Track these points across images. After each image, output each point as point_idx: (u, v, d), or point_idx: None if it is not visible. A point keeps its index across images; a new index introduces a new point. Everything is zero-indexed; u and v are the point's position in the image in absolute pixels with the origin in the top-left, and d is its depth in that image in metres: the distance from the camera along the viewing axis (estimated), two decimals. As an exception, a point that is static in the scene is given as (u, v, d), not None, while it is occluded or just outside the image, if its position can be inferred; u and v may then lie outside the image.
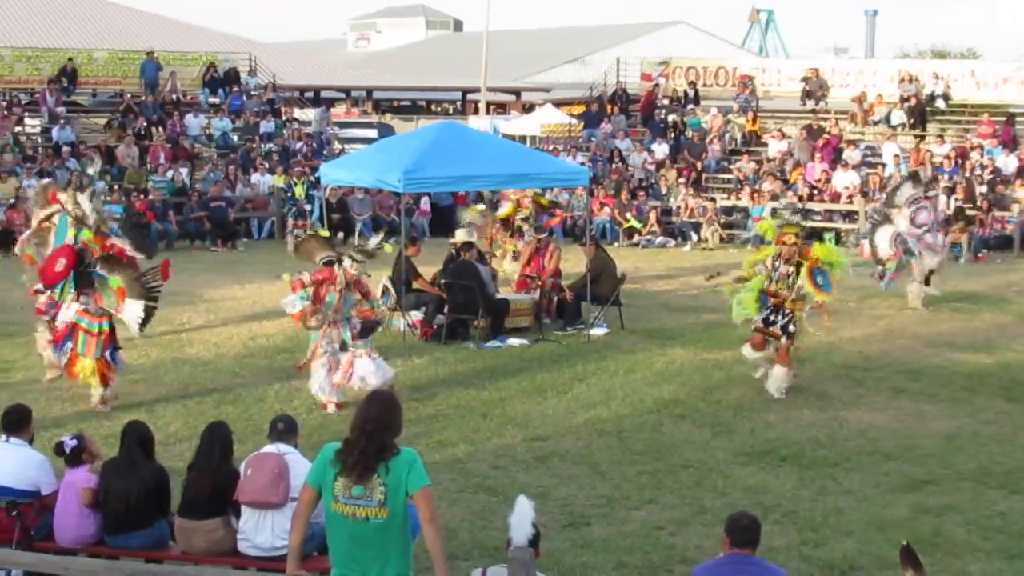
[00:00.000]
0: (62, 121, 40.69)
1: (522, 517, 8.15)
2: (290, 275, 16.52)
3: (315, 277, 16.01)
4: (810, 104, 43.94)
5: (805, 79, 44.08)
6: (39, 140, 41.13)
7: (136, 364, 18.51)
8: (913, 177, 25.66)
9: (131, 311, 16.24)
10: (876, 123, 41.88)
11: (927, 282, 23.99)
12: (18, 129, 40.56)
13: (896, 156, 38.06)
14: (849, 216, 36.07)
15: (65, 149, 37.93)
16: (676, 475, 13.40)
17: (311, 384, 16.04)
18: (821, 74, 44.16)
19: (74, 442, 10.28)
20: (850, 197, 36.24)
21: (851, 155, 38.93)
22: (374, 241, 17.14)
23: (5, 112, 40.52)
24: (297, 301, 16.03)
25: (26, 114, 42.40)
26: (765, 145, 41.90)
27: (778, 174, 38.70)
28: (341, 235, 27.70)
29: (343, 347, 16.03)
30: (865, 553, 11.07)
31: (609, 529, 11.67)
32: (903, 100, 41.67)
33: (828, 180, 37.72)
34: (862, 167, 38.31)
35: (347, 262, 16.08)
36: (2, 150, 36.97)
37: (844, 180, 37.26)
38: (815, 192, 37.36)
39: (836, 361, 19.05)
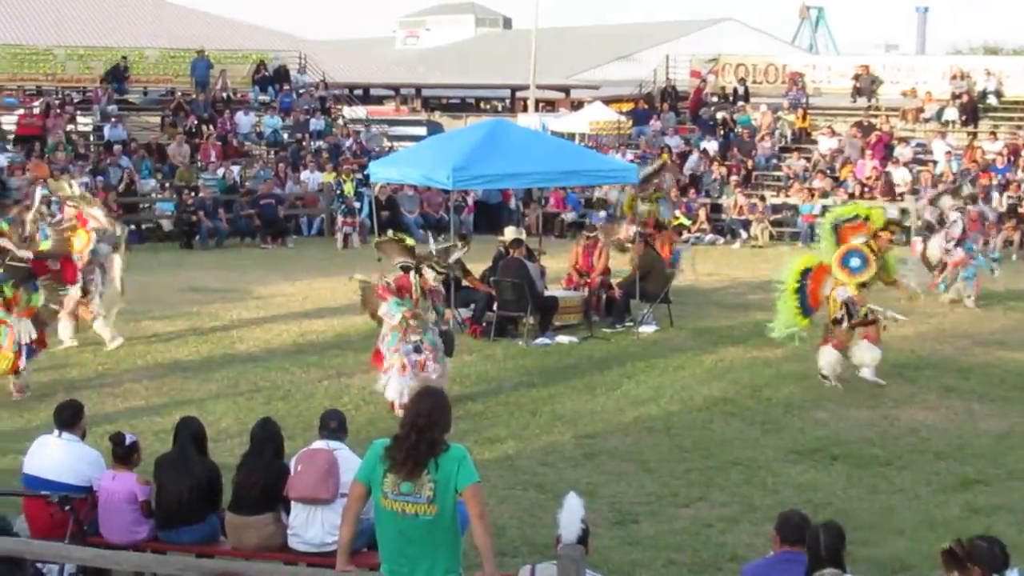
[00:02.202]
0: (114, 119, 40.97)
1: (571, 514, 8.13)
2: (362, 276, 16.51)
3: (398, 281, 15.84)
4: (861, 101, 43.71)
5: (856, 76, 43.84)
6: (91, 138, 41.43)
7: (187, 360, 18.64)
8: (954, 190, 25.51)
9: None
10: (927, 120, 41.61)
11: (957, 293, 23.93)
12: (70, 127, 40.82)
13: (948, 153, 37.86)
14: (901, 214, 35.83)
15: (117, 147, 38.18)
16: (726, 472, 13.36)
17: (387, 389, 15.65)
18: (872, 71, 43.91)
19: (134, 438, 10.35)
20: (901, 194, 36.05)
21: (902, 152, 38.73)
22: (457, 253, 16.81)
23: (58, 110, 40.81)
24: (395, 310, 15.78)
25: (78, 112, 42.63)
26: (815, 142, 41.74)
27: (828, 171, 38.57)
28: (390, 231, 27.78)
29: (417, 349, 15.81)
30: (916, 552, 11.00)
31: (658, 527, 11.64)
32: (955, 97, 41.40)
33: (878, 177, 37.53)
34: (913, 164, 38.10)
35: (427, 272, 15.92)
36: (55, 148, 37.19)
37: (895, 177, 37.06)
38: (865, 189, 37.16)
39: (887, 359, 18.86)
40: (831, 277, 17.22)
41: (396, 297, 15.64)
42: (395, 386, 15.60)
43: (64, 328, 19.15)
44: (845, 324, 17.19)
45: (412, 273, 15.75)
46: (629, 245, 22.51)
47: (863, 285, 17.21)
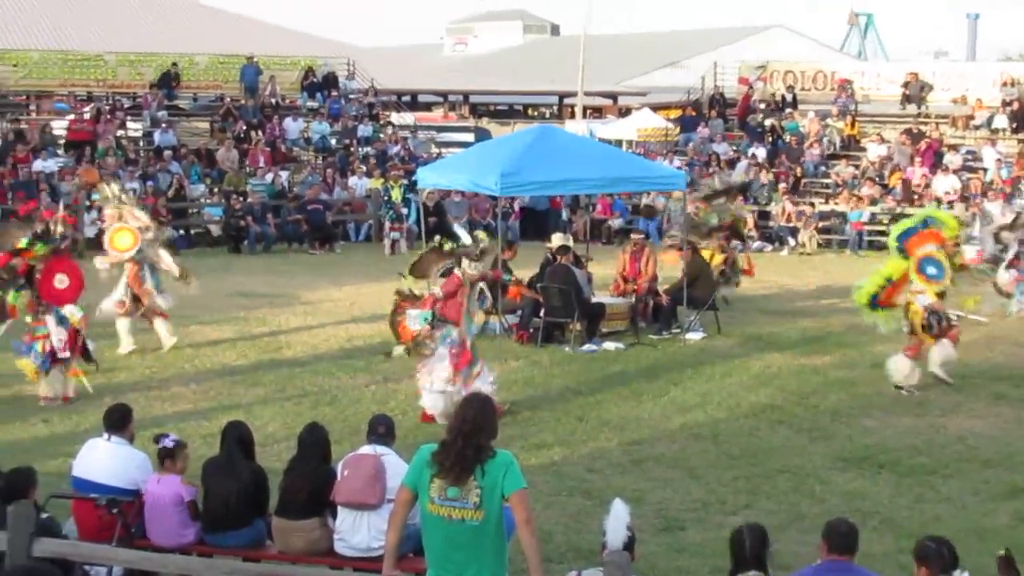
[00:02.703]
0: (164, 125, 41.18)
1: (618, 521, 8.13)
2: (409, 278, 16.60)
3: (446, 289, 15.92)
4: (910, 108, 43.49)
5: (906, 83, 43.62)
6: (141, 144, 41.69)
7: (235, 365, 18.73)
8: (1012, 225, 25.38)
9: None
10: (977, 127, 41.38)
11: None
12: (120, 133, 41.16)
13: (998, 160, 37.64)
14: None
15: (166, 152, 38.40)
16: (773, 480, 13.32)
17: (427, 400, 15.61)
18: (921, 77, 43.67)
19: (175, 439, 10.39)
20: (950, 202, 35.84)
21: (952, 159, 38.53)
22: (480, 244, 16.78)
23: (108, 116, 41.09)
24: (421, 319, 15.91)
25: (128, 118, 42.97)
26: (864, 149, 41.56)
27: (877, 178, 38.38)
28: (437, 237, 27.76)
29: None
30: (964, 562, 10.92)
31: (704, 534, 11.61)
32: (1005, 104, 41.17)
33: (928, 185, 37.32)
34: (963, 171, 37.89)
35: (465, 263, 15.96)
36: (105, 153, 37.42)
37: (944, 184, 36.87)
38: (915, 196, 36.95)
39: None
40: (907, 286, 17.34)
41: (428, 311, 15.86)
42: (435, 399, 15.58)
43: (161, 327, 19.39)
44: (934, 330, 17.24)
45: (456, 270, 15.89)
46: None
47: (941, 294, 17.31)
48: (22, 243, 16.38)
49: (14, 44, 50.10)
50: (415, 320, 16.09)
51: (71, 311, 16.45)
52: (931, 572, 7.93)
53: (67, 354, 16.36)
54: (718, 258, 22.84)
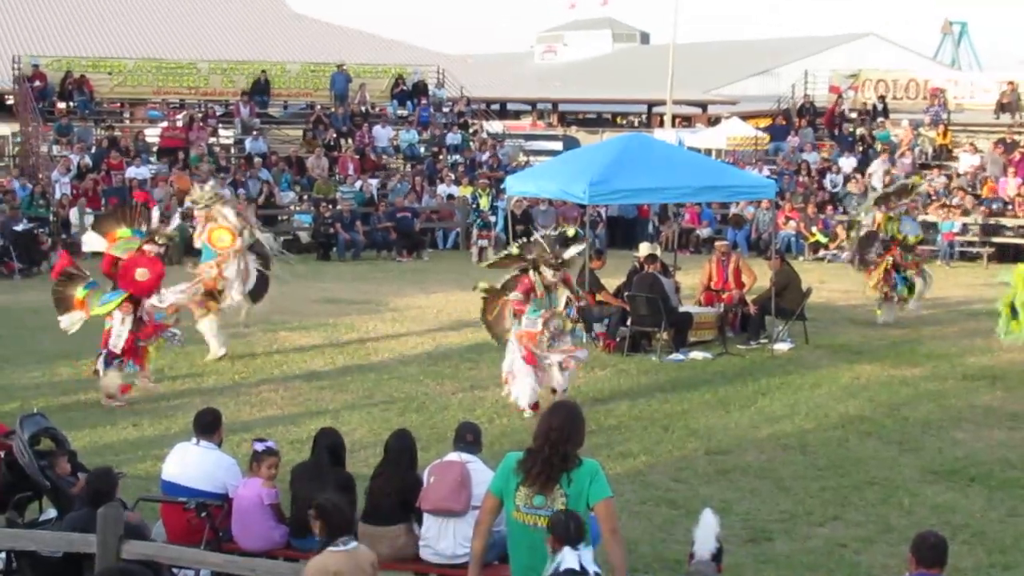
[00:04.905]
0: (255, 132, 41.59)
1: (707, 530, 8.12)
2: (487, 285, 16.70)
3: (521, 288, 16.15)
4: (1004, 117, 42.97)
5: (1002, 93, 43.09)
6: (232, 151, 42.13)
7: (323, 371, 18.84)
8: None
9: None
10: (1073, 137, 40.86)
11: None
12: (212, 140, 41.60)
13: (1093, 171, 37.12)
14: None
15: (257, 160, 38.73)
16: (861, 492, 13.20)
17: (514, 390, 16.10)
18: (1017, 87, 43.14)
19: (261, 447, 10.47)
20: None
21: (1046, 169, 38.05)
22: (573, 250, 16.76)
23: (201, 123, 41.54)
24: (535, 317, 16.04)
25: (220, 125, 43.49)
26: (956, 159, 41.11)
27: (969, 189, 37.95)
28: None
29: (550, 346, 16.09)
30: (1057, 577, 10.81)
31: (792, 545, 11.54)
32: (1102, 113, 40.63)
33: (1022, 195, 36.85)
34: (1057, 182, 37.40)
35: (544, 270, 16.10)
36: (198, 160, 37.84)
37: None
38: (1008, 208, 36.51)
39: (1027, 380, 18.63)
40: None
41: (532, 305, 15.98)
42: (524, 387, 15.81)
43: (211, 333, 19.51)
44: None
45: (531, 272, 15.97)
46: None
47: None
48: (122, 232, 16.76)
49: (109, 52, 50.96)
50: (532, 323, 16.10)
51: (152, 303, 16.74)
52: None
53: (119, 355, 16.61)
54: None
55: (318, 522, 8.21)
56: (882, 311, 23.27)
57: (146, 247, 16.78)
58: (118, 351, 16.47)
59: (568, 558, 7.49)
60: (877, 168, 39.01)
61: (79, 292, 16.76)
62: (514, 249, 16.56)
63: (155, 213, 18.30)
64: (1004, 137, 40.84)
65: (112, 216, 17.72)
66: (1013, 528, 12.11)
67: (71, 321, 16.90)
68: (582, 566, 7.49)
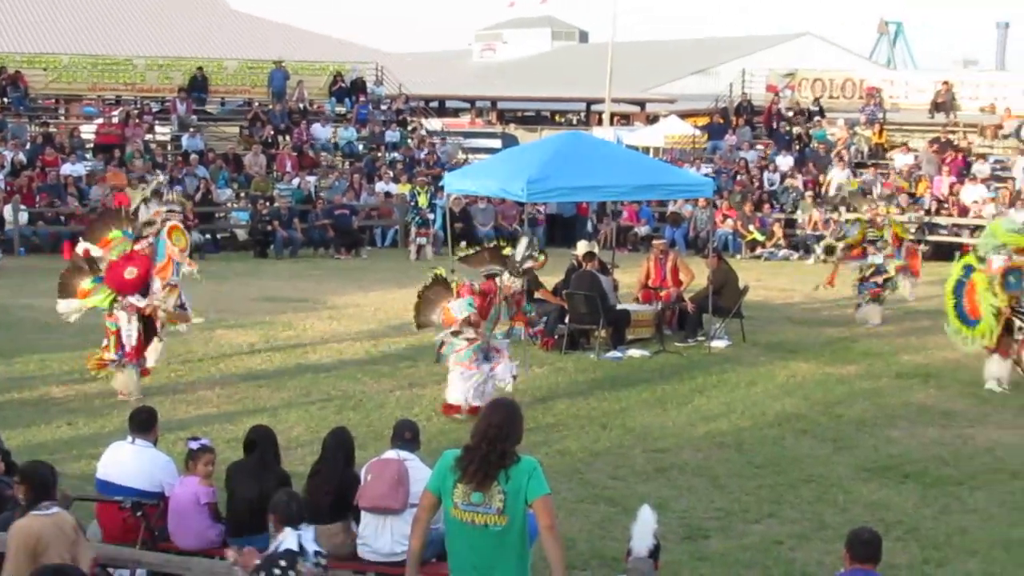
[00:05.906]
0: (192, 129, 41.35)
1: (644, 527, 8.14)
2: (441, 269, 16.82)
3: (484, 287, 16.28)
4: (939, 117, 43.34)
5: (938, 92, 43.45)
6: (169, 148, 41.85)
7: (260, 369, 18.77)
8: None
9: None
10: (1006, 137, 41.17)
11: None
12: (149, 136, 41.29)
13: (1027, 170, 37.47)
14: (977, 230, 35.47)
15: (194, 157, 38.48)
16: (797, 489, 13.28)
17: (450, 391, 16.11)
18: (952, 87, 43.51)
19: (196, 445, 10.42)
20: (979, 212, 35.70)
21: (980, 169, 38.38)
22: (529, 263, 16.86)
23: (137, 120, 41.21)
24: (465, 307, 16.04)
25: (157, 122, 43.15)
26: (891, 159, 41.41)
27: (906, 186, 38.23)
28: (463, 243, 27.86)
29: (487, 357, 16.11)
30: (989, 573, 10.89)
31: (728, 543, 11.59)
32: (1034, 113, 41.00)
33: (955, 194, 37.19)
34: (991, 181, 37.73)
35: (506, 277, 16.19)
36: (133, 157, 37.54)
37: (972, 194, 36.71)
38: (942, 206, 36.82)
39: (962, 378, 18.75)
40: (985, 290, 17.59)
41: (471, 297, 16.07)
42: (458, 388, 15.86)
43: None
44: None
45: (497, 279, 16.06)
46: None
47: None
48: (113, 235, 16.76)
49: (44, 48, 50.43)
50: (460, 308, 16.12)
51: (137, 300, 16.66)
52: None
53: (132, 353, 16.58)
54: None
55: (21, 487, 8.51)
56: (870, 314, 23.38)
57: (136, 246, 16.73)
58: (132, 351, 16.49)
59: (289, 539, 8.03)
60: (836, 176, 38.93)
61: (85, 283, 16.77)
62: (506, 248, 16.68)
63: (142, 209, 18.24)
64: (939, 136, 41.18)
65: (100, 222, 17.57)
66: (946, 524, 12.21)
67: (69, 307, 16.93)
68: (301, 546, 8.00)
